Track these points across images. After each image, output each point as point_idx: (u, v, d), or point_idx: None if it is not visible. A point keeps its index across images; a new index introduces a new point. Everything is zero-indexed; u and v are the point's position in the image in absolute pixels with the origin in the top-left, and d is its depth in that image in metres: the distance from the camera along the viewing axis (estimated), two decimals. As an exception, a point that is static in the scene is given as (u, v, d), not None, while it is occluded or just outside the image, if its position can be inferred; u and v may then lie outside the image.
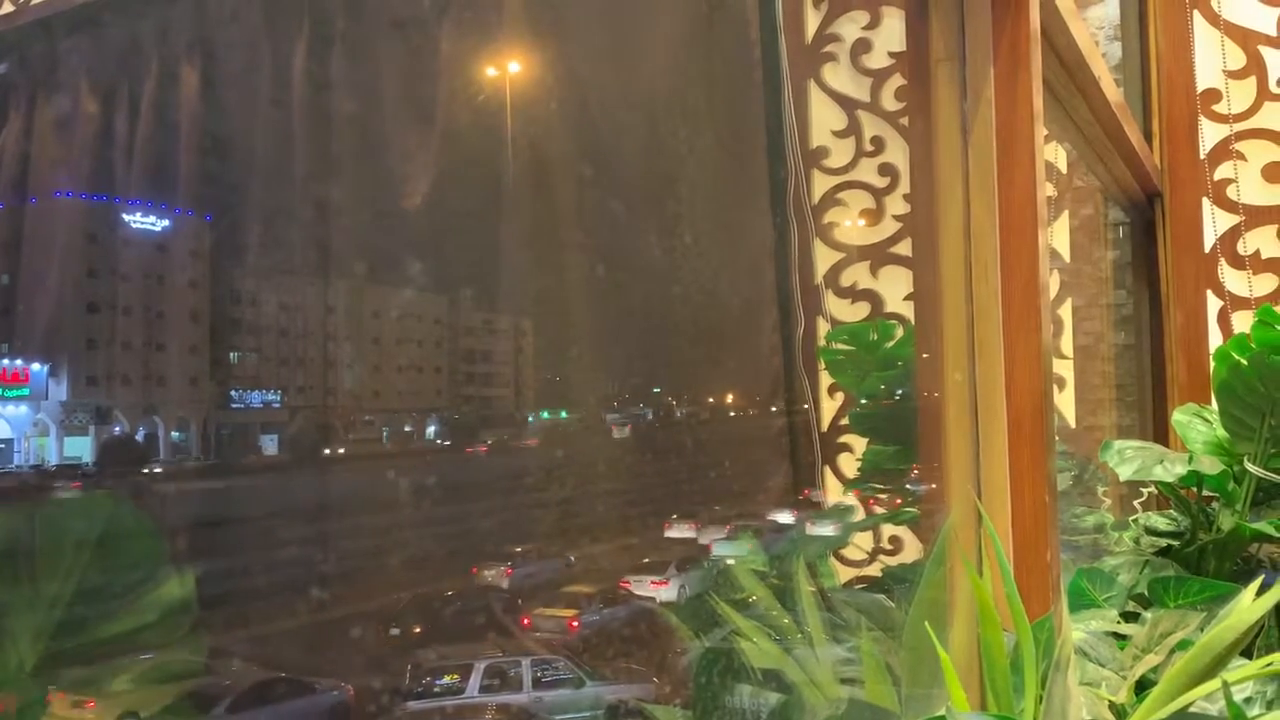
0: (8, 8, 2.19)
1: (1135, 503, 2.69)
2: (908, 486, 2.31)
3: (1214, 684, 1.24)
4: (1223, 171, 2.88)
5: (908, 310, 2.59)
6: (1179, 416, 2.25)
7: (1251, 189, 2.85)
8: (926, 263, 1.53)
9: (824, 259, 2.75)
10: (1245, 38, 2.87)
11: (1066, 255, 3.16)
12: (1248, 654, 1.57)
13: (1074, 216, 3.18)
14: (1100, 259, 3.28)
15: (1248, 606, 1.30)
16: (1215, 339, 2.83)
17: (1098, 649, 1.56)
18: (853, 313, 2.71)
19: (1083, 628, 1.63)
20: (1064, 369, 3.10)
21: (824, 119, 2.78)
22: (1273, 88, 2.85)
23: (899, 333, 2.37)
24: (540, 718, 13.58)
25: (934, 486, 1.55)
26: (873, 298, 2.70)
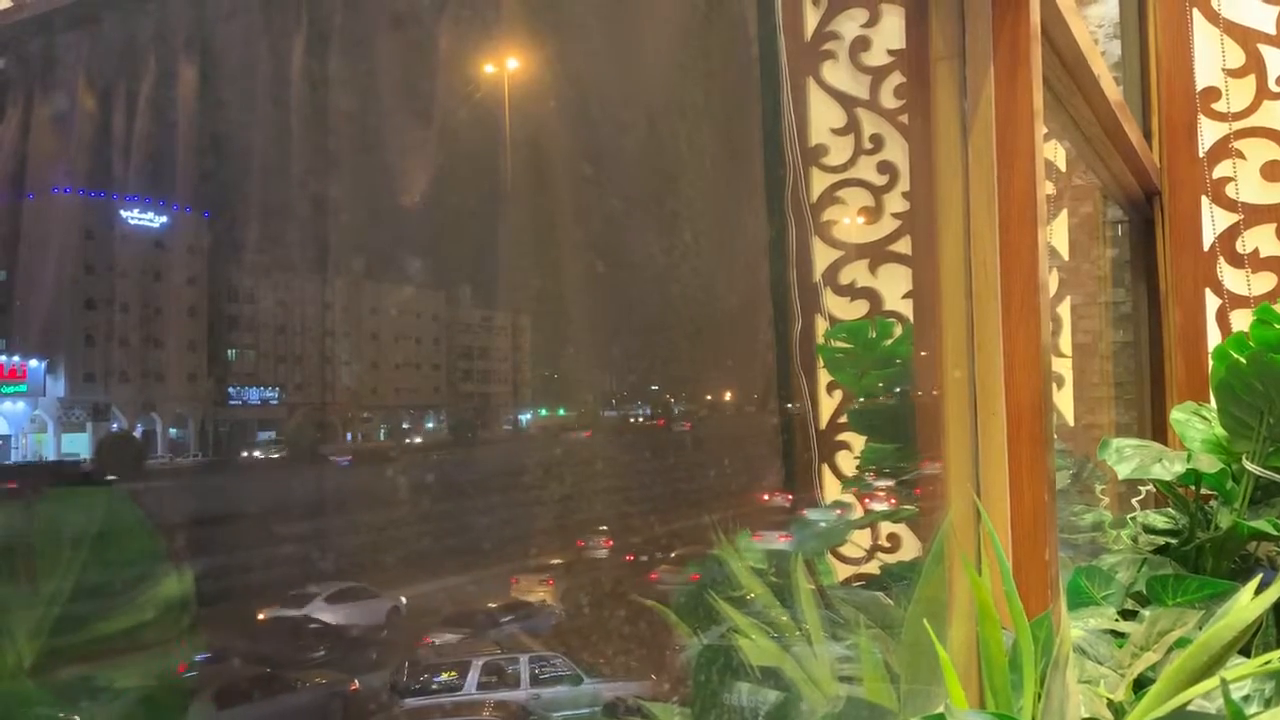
0: (5, 3, 2.18)
1: (1133, 501, 2.69)
2: (905, 484, 2.31)
3: (1212, 682, 1.24)
4: (1222, 170, 2.88)
5: (906, 308, 2.58)
6: (1177, 415, 2.25)
7: (1250, 187, 2.85)
8: (925, 260, 1.53)
9: (822, 257, 2.75)
10: (1245, 36, 2.87)
11: (1065, 253, 3.16)
12: (1246, 652, 1.57)
13: (1073, 214, 3.18)
14: (1099, 257, 3.28)
15: (1246, 605, 1.30)
16: (1214, 337, 2.84)
17: (1096, 647, 1.56)
18: (851, 310, 2.71)
19: (1081, 626, 1.63)
20: (1063, 367, 3.10)
21: (823, 117, 2.78)
22: (1272, 86, 2.85)
23: (898, 330, 2.37)
24: (538, 715, 13.59)
25: (932, 484, 1.55)
26: (871, 295, 2.70)
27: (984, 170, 1.47)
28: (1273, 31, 2.85)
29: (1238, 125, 2.87)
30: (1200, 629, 1.44)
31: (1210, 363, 2.22)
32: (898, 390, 2.33)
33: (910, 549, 2.56)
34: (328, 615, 15.54)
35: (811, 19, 2.79)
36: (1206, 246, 2.89)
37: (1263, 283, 2.82)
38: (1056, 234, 3.08)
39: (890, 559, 2.59)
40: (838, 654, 1.66)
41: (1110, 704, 1.41)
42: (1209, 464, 2.04)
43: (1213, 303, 2.88)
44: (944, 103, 1.49)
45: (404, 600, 16.36)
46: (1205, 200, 2.89)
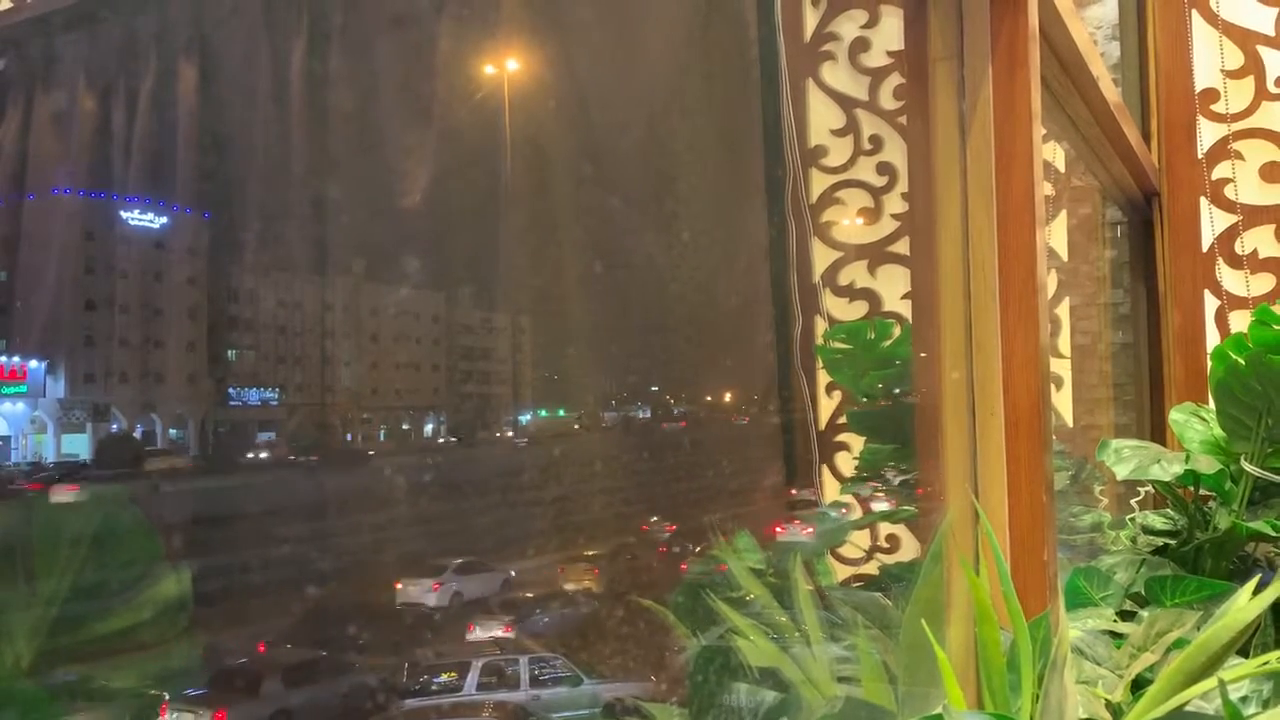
0: (5, 4, 2.19)
1: (1132, 502, 2.69)
2: (904, 484, 2.31)
3: (1210, 683, 1.24)
4: (1220, 171, 2.88)
5: (905, 309, 2.59)
6: (1176, 416, 2.25)
7: (1249, 189, 2.85)
8: (924, 261, 1.53)
9: (822, 258, 2.75)
10: (1243, 37, 2.87)
11: (1064, 254, 3.16)
12: (1244, 653, 1.57)
13: (1072, 215, 3.18)
14: (1098, 258, 3.28)
15: (1244, 605, 1.30)
16: (1213, 338, 2.83)
17: (1094, 648, 1.56)
18: (851, 311, 2.71)
19: (1079, 626, 1.64)
20: (1061, 368, 3.10)
21: (822, 118, 2.78)
22: (1271, 87, 2.85)
23: (897, 331, 2.37)
24: (537, 715, 13.60)
25: (931, 485, 1.55)
26: (871, 296, 2.71)
27: (982, 171, 1.47)
28: (1271, 33, 2.85)
29: (1236, 126, 2.87)
30: (1198, 630, 1.44)
31: (1209, 364, 2.22)
32: (897, 391, 2.33)
33: (909, 550, 2.57)
34: (457, 583, 18.96)
35: (811, 20, 2.80)
36: (1205, 247, 2.89)
37: (1261, 284, 2.82)
38: (1055, 235, 3.08)
39: (889, 560, 2.59)
40: (836, 655, 1.66)
41: (1108, 705, 1.41)
42: (1207, 465, 2.04)
43: (1211, 304, 2.88)
44: (942, 104, 1.49)
45: (513, 573, 19.66)
46: (1204, 201, 2.89)
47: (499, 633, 16.35)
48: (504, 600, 18.46)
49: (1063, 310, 3.10)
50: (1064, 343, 3.13)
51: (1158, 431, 2.90)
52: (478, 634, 16.35)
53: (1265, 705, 1.36)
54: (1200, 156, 2.89)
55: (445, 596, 18.65)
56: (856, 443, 2.61)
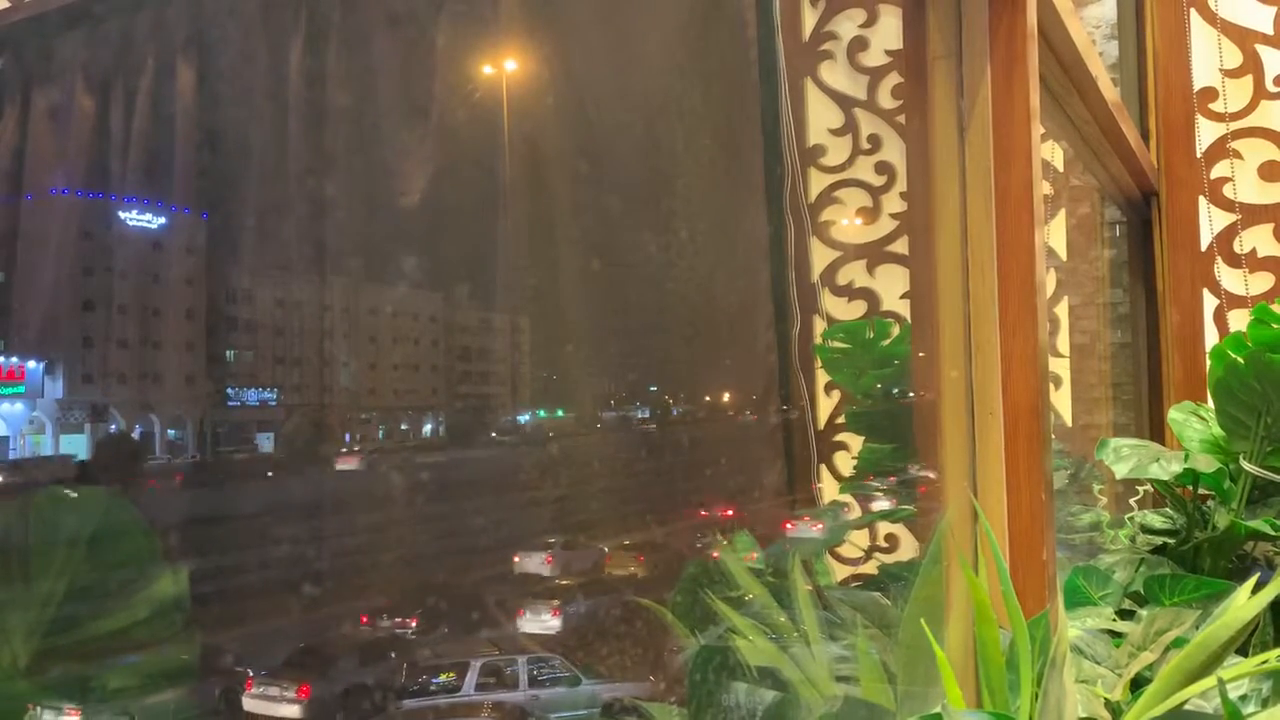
0: (2, 3, 2.18)
1: (1131, 501, 2.69)
2: (903, 483, 2.31)
3: (1209, 681, 1.24)
4: (1219, 170, 2.88)
5: (904, 308, 2.59)
6: (1175, 415, 2.25)
7: (1248, 187, 2.85)
8: (923, 261, 1.53)
9: (820, 257, 2.75)
10: (1242, 36, 2.87)
11: (1063, 254, 3.16)
12: (1243, 651, 1.57)
13: (1070, 215, 3.18)
14: (1097, 257, 3.28)
15: (1243, 604, 1.30)
16: (1211, 337, 2.83)
17: (1093, 647, 1.56)
18: (849, 311, 2.71)
19: (1079, 625, 1.63)
20: (1060, 367, 3.10)
21: (821, 117, 2.78)
22: (1269, 86, 2.85)
23: (895, 331, 2.37)
24: (536, 716, 13.62)
25: (930, 485, 1.55)
26: (869, 296, 2.71)
27: (981, 170, 1.47)
28: (1270, 31, 2.85)
29: (1235, 125, 2.87)
30: (1197, 628, 1.44)
31: (1208, 363, 2.22)
32: (895, 391, 2.33)
33: (908, 549, 2.57)
34: (563, 559, 21.00)
35: (809, 19, 2.80)
36: (1204, 247, 2.89)
37: (1260, 282, 2.82)
38: (1054, 234, 3.08)
39: (888, 559, 2.59)
40: (835, 654, 1.66)
41: (1107, 704, 1.41)
42: (1206, 464, 2.04)
43: (1210, 303, 2.88)
44: (941, 102, 1.49)
45: (605, 549, 21.48)
46: (1203, 200, 2.89)
47: (547, 616, 17.10)
48: (600, 576, 20.13)
49: (1062, 310, 3.11)
50: (1063, 342, 3.13)
51: (1156, 430, 2.90)
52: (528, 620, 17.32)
53: (1264, 704, 1.36)
54: (1199, 155, 2.89)
55: (557, 568, 20.61)
56: (855, 442, 2.61)
